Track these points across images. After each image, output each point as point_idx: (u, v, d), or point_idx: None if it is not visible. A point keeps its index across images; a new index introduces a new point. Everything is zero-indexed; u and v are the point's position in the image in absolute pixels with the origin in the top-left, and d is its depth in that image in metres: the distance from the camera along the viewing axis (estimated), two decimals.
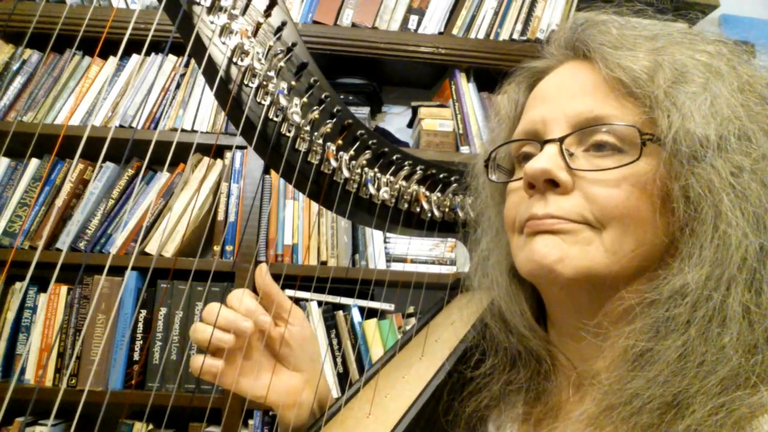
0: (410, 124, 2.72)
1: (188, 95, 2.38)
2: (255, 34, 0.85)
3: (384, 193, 0.99)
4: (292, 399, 0.92)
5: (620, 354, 0.67)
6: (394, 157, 1.01)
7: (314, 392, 0.94)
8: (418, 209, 1.05)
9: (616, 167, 0.69)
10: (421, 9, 2.48)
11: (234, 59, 0.84)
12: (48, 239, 2.25)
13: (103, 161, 2.37)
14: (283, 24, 0.87)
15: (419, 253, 2.39)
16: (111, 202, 2.31)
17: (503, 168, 0.86)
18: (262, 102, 0.86)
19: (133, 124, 2.33)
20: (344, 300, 2.29)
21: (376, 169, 0.99)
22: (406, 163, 1.02)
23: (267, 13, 0.86)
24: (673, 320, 0.63)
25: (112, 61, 2.41)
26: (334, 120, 0.93)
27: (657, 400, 0.61)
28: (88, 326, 2.19)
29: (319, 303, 2.27)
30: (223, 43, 0.83)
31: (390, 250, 2.38)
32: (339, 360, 2.23)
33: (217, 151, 2.39)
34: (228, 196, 2.31)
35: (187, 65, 2.40)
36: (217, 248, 2.30)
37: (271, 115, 0.87)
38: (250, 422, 2.18)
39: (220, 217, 2.30)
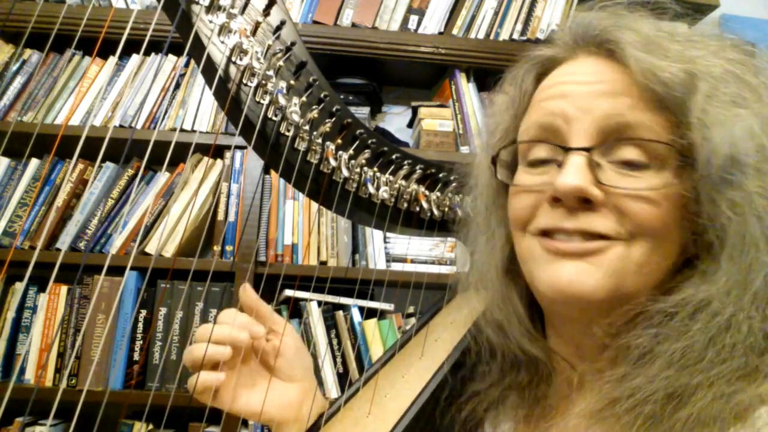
0: (410, 124, 2.72)
1: (188, 95, 2.38)
2: (254, 33, 0.85)
3: (383, 193, 0.99)
4: (291, 413, 0.92)
5: (624, 352, 0.67)
6: (394, 157, 1.01)
7: (311, 406, 0.93)
8: (417, 208, 1.04)
9: (654, 189, 0.66)
10: (421, 9, 2.48)
11: (233, 58, 0.84)
12: (48, 239, 2.25)
13: (103, 161, 2.38)
14: (282, 23, 0.87)
15: (419, 253, 2.39)
16: (111, 202, 2.31)
17: (505, 162, 0.82)
18: (261, 101, 0.86)
19: (133, 124, 2.33)
20: (344, 300, 2.29)
21: (375, 169, 0.99)
22: (405, 162, 1.02)
23: (266, 12, 0.86)
24: (684, 328, 0.63)
25: (112, 61, 2.41)
26: (334, 119, 0.93)
27: (660, 392, 0.62)
28: (88, 326, 2.19)
29: (319, 303, 2.27)
30: (222, 42, 0.83)
31: (390, 250, 2.38)
32: (339, 360, 2.23)
33: (216, 151, 2.39)
34: (228, 196, 2.31)
35: (187, 65, 2.40)
36: (217, 248, 2.30)
37: (270, 114, 0.87)
38: (251, 422, 2.17)
39: (220, 217, 2.30)
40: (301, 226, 2.34)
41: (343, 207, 0.97)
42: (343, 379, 2.20)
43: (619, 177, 0.68)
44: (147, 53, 2.44)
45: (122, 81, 2.39)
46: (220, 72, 0.82)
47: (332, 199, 0.95)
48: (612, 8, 0.76)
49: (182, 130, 2.35)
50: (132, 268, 2.23)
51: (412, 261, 2.37)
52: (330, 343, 2.24)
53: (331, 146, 0.93)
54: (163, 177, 2.38)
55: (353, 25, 2.44)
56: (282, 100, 0.86)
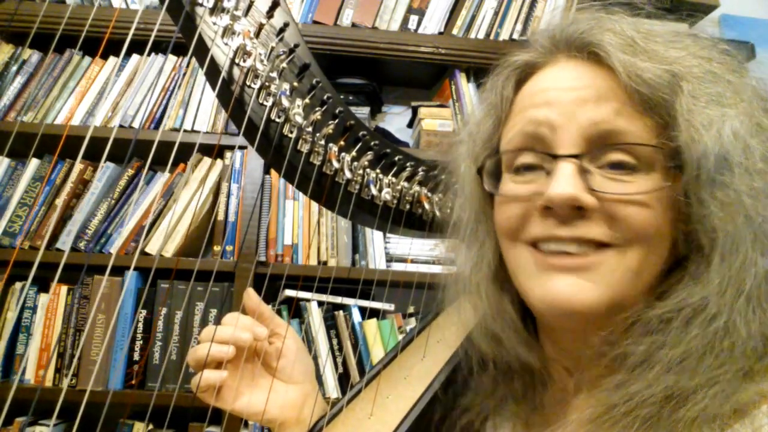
0: (410, 124, 2.72)
1: (188, 95, 2.37)
2: (257, 35, 0.85)
3: (386, 194, 0.99)
4: (292, 414, 0.92)
5: (621, 359, 0.67)
6: (396, 158, 1.01)
7: (313, 408, 0.94)
8: (420, 210, 1.05)
9: (645, 192, 0.66)
10: (421, 9, 2.48)
11: (236, 60, 0.84)
12: (48, 239, 2.25)
13: (103, 161, 2.37)
14: (286, 25, 0.87)
15: (420, 253, 2.39)
16: (111, 202, 2.31)
17: (489, 171, 0.79)
18: (265, 103, 0.86)
19: (134, 124, 2.33)
20: (344, 300, 2.29)
21: (378, 170, 0.99)
22: (408, 164, 1.02)
23: (269, 14, 0.86)
24: (680, 333, 0.63)
25: (113, 61, 2.41)
26: (336, 121, 0.93)
27: (658, 395, 0.62)
28: (89, 326, 2.19)
29: (320, 303, 2.27)
30: (226, 44, 0.83)
31: (390, 251, 2.38)
32: (339, 361, 2.23)
33: (217, 151, 2.39)
34: (228, 196, 2.31)
35: (187, 65, 2.40)
36: (217, 248, 2.30)
37: (273, 116, 0.87)
38: (251, 423, 2.18)
39: (220, 217, 2.30)
40: (302, 226, 2.34)
41: (346, 209, 0.97)
42: (343, 379, 2.20)
43: (609, 182, 0.67)
44: (148, 53, 2.44)
45: (123, 81, 2.39)
46: (223, 74, 0.82)
47: (335, 201, 0.95)
48: (616, 9, 0.75)
49: (183, 131, 2.35)
50: (132, 269, 2.23)
51: (413, 261, 2.37)
52: (330, 343, 2.24)
53: (334, 148, 0.93)
54: (163, 177, 2.38)
55: (353, 25, 2.44)
56: (285, 102, 0.86)
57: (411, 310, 2.31)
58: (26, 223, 2.25)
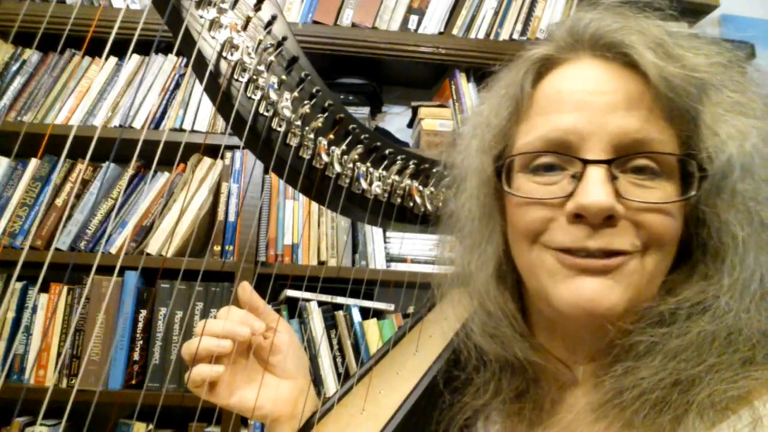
0: (410, 124, 2.72)
1: (188, 95, 2.38)
2: (245, 28, 0.85)
3: (376, 188, 0.98)
4: (285, 409, 0.91)
5: (626, 349, 0.68)
6: (387, 152, 1.00)
7: (304, 404, 0.93)
8: (411, 204, 1.04)
9: (674, 201, 0.66)
10: (421, 9, 2.48)
11: (224, 53, 0.83)
12: (48, 239, 2.25)
13: (103, 161, 2.38)
14: (273, 18, 0.87)
15: (420, 253, 2.39)
16: (111, 202, 2.31)
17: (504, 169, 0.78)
18: (253, 96, 0.86)
19: (134, 124, 2.33)
20: (344, 300, 2.29)
21: (368, 164, 0.99)
22: (398, 157, 1.01)
23: (257, 7, 0.85)
24: (684, 325, 0.65)
25: (112, 61, 2.42)
26: (326, 114, 0.93)
27: (666, 380, 0.63)
28: (88, 326, 2.19)
29: (319, 303, 2.27)
30: (213, 38, 0.83)
31: (390, 250, 2.38)
32: (339, 360, 2.22)
33: (217, 151, 2.40)
34: (228, 196, 2.31)
35: (187, 65, 2.40)
36: (217, 248, 2.30)
37: (261, 109, 0.87)
38: (250, 422, 2.17)
39: (220, 217, 2.30)
40: (301, 226, 2.34)
41: (336, 202, 0.96)
42: (343, 379, 2.20)
43: (634, 188, 0.67)
44: (147, 53, 2.44)
45: (123, 81, 2.39)
46: (210, 67, 0.82)
47: (325, 195, 0.94)
48: (617, 9, 0.74)
49: (183, 131, 2.36)
50: (132, 268, 2.23)
51: (412, 261, 2.37)
52: (330, 343, 2.24)
53: (324, 141, 0.92)
54: (163, 177, 2.39)
55: (353, 25, 2.44)
56: (273, 96, 0.86)
57: (411, 310, 2.30)
58: (26, 223, 2.25)
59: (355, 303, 2.29)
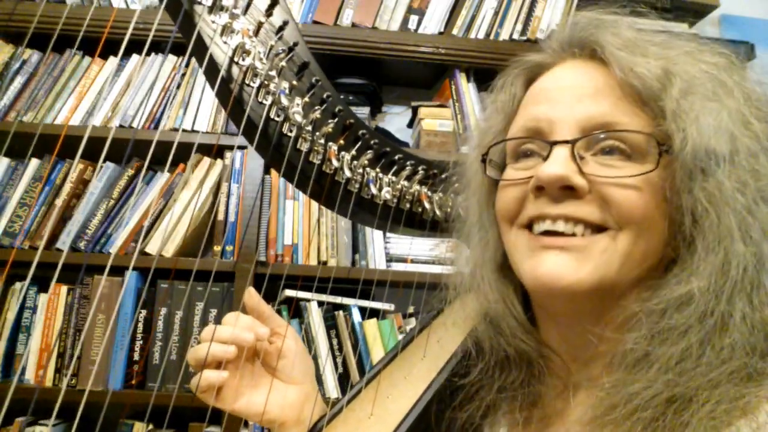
0: (410, 124, 2.71)
1: (188, 95, 2.37)
2: (256, 33, 0.85)
3: (386, 194, 0.99)
4: (292, 414, 0.92)
5: (619, 358, 0.67)
6: (396, 157, 1.01)
7: (313, 409, 0.93)
8: (420, 209, 1.04)
9: (635, 176, 0.68)
10: (421, 9, 2.48)
11: (235, 59, 0.84)
12: (48, 239, 2.24)
13: (103, 161, 2.37)
14: (285, 23, 0.87)
15: (420, 253, 2.39)
16: (111, 202, 2.31)
17: (494, 162, 0.83)
18: (264, 102, 0.86)
19: (133, 124, 2.33)
20: (344, 300, 2.29)
21: (377, 169, 0.99)
22: (408, 163, 1.02)
23: (268, 12, 0.85)
24: (675, 327, 0.64)
25: (113, 61, 2.42)
26: (336, 120, 0.93)
27: (659, 396, 0.62)
28: (88, 326, 2.19)
29: (320, 303, 2.27)
30: (225, 43, 0.83)
31: (390, 250, 2.38)
32: (339, 361, 2.22)
33: (217, 151, 2.39)
34: (228, 196, 2.31)
35: (187, 65, 2.40)
36: (217, 248, 2.29)
37: (272, 114, 0.87)
38: (251, 423, 2.17)
39: (220, 217, 2.30)
40: (301, 226, 2.34)
41: (346, 208, 0.97)
42: (343, 379, 2.20)
43: (601, 167, 0.70)
44: (147, 53, 2.44)
45: (123, 81, 2.39)
46: (222, 72, 0.82)
47: (334, 200, 0.95)
48: (602, 10, 0.79)
49: (183, 131, 2.35)
50: (132, 269, 2.22)
51: (413, 261, 2.37)
52: (330, 343, 2.24)
53: (334, 147, 0.93)
54: (163, 177, 2.38)
55: (353, 25, 2.44)
56: (284, 101, 0.86)
57: (411, 310, 2.30)
58: (26, 223, 2.25)
59: (355, 303, 2.29)
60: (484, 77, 2.53)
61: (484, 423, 0.86)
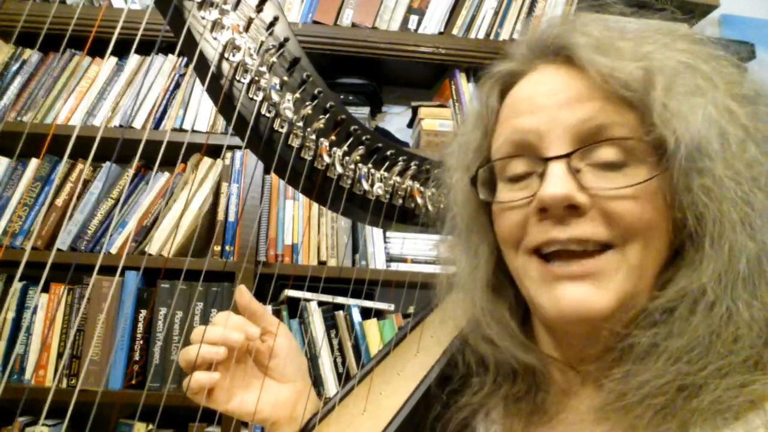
0: (410, 124, 2.72)
1: (188, 95, 2.38)
2: (247, 29, 0.85)
3: (378, 189, 0.98)
4: (285, 412, 0.92)
5: (627, 353, 0.67)
6: (388, 153, 1.00)
7: (305, 405, 0.93)
8: (412, 205, 1.04)
9: (635, 185, 0.66)
10: (421, 9, 2.48)
11: (225, 55, 0.84)
12: (48, 239, 2.25)
13: (103, 161, 2.38)
14: (275, 19, 0.87)
15: (420, 253, 2.39)
16: (111, 202, 2.31)
17: (483, 180, 0.80)
18: (255, 98, 0.86)
19: (134, 124, 2.33)
20: (344, 300, 2.29)
21: (369, 165, 0.99)
22: (400, 158, 1.01)
23: (259, 8, 0.85)
24: (683, 321, 0.64)
25: (112, 61, 2.42)
26: (328, 115, 0.93)
27: (670, 384, 0.62)
28: (88, 326, 2.19)
29: (319, 303, 2.27)
30: (215, 39, 0.83)
31: (390, 250, 2.38)
32: (339, 360, 2.22)
33: (217, 151, 2.39)
34: (228, 196, 2.31)
35: (187, 65, 2.40)
36: (217, 248, 2.30)
37: (263, 110, 0.87)
38: (251, 423, 2.17)
39: (220, 217, 2.30)
40: (301, 226, 2.34)
41: (338, 204, 0.97)
42: (343, 379, 2.20)
43: (599, 179, 0.68)
44: (147, 53, 2.44)
45: (123, 81, 2.39)
46: (212, 68, 0.82)
47: (327, 196, 0.95)
48: (610, 9, 0.77)
49: (183, 131, 2.36)
50: (132, 268, 2.23)
51: (412, 261, 2.37)
52: (330, 343, 2.24)
53: (325, 143, 0.93)
54: (163, 177, 2.39)
55: (353, 25, 2.45)
56: (275, 97, 0.86)
57: (411, 310, 2.30)
58: (26, 223, 2.25)
59: (355, 303, 2.29)
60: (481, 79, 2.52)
61: (478, 418, 0.85)
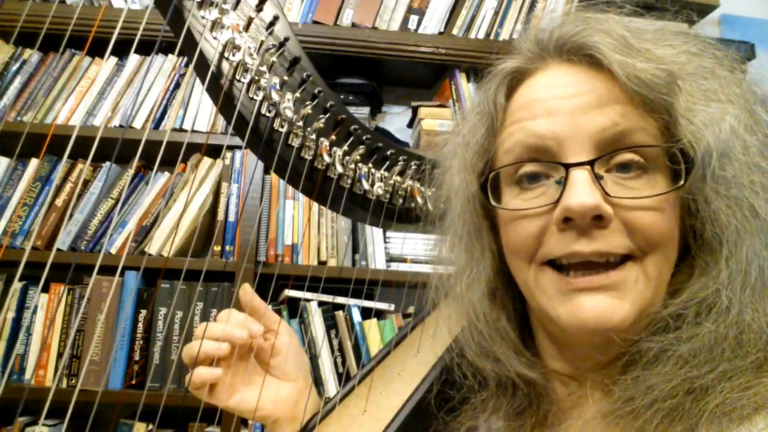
0: (410, 124, 2.71)
1: (188, 95, 2.38)
2: (247, 28, 0.85)
3: (378, 189, 0.98)
4: (287, 410, 0.92)
5: (635, 359, 0.67)
6: (388, 153, 1.00)
7: (306, 405, 0.93)
8: (412, 204, 1.04)
9: (659, 194, 0.65)
10: (421, 9, 2.48)
11: (225, 54, 0.83)
12: (48, 239, 2.25)
13: (103, 161, 2.38)
14: (275, 18, 0.87)
15: (419, 253, 2.38)
16: (111, 202, 2.31)
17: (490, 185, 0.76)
18: (255, 97, 0.86)
19: (134, 124, 2.33)
20: (344, 300, 2.29)
21: (370, 165, 0.99)
22: (400, 158, 1.01)
23: (258, 7, 0.85)
24: (694, 327, 0.64)
25: (112, 61, 2.42)
26: (328, 115, 0.92)
27: (678, 387, 0.62)
28: (88, 326, 2.19)
29: (320, 303, 2.26)
30: (215, 38, 0.83)
31: (390, 250, 2.38)
32: (339, 360, 2.22)
33: (217, 151, 2.39)
34: (228, 196, 2.31)
35: (187, 65, 2.40)
36: (217, 248, 2.30)
37: (263, 110, 0.87)
38: (251, 422, 2.17)
39: (220, 217, 2.30)
40: (301, 226, 2.34)
41: (338, 203, 0.96)
42: (343, 379, 2.20)
43: (621, 188, 0.66)
44: (147, 53, 2.44)
45: (123, 81, 2.39)
46: (212, 68, 0.82)
47: (327, 196, 0.94)
48: (610, 9, 0.74)
49: (183, 130, 2.36)
50: (132, 268, 2.23)
51: (412, 261, 2.37)
52: (330, 343, 2.24)
53: (326, 142, 0.92)
54: (163, 177, 2.39)
55: (353, 25, 2.44)
56: (275, 96, 0.86)
57: (411, 310, 2.30)
58: (26, 223, 2.25)
59: (355, 303, 2.29)
60: (484, 77, 2.52)
61: (480, 420, 0.85)
